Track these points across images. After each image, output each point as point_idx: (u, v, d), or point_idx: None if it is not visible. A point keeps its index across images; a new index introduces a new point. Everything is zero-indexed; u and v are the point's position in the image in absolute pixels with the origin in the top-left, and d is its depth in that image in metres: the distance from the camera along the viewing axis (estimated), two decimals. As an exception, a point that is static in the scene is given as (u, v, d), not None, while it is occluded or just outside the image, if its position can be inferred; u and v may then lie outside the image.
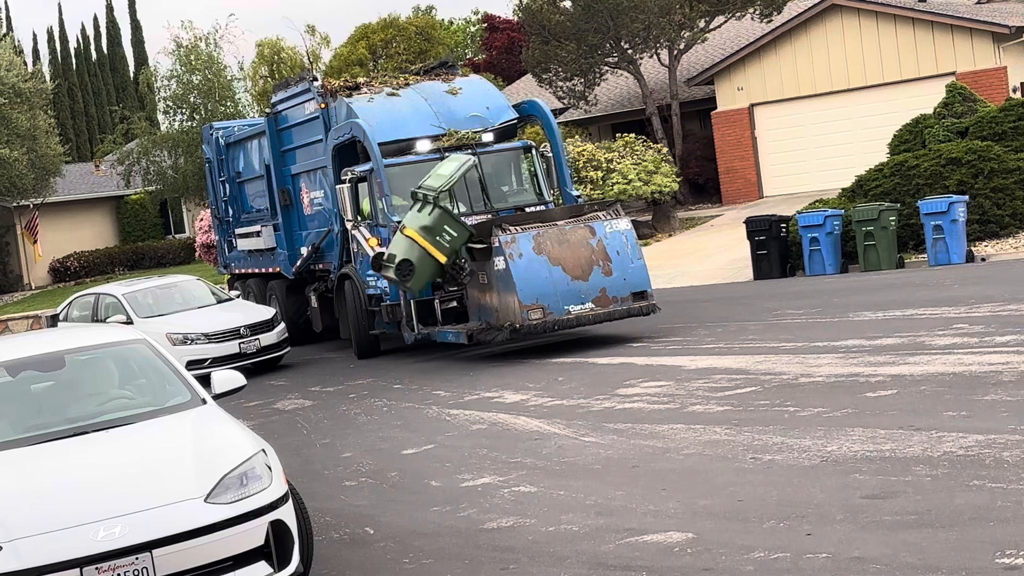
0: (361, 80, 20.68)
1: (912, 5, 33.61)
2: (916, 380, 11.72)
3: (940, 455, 9.01)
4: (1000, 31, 31.16)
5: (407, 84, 20.14)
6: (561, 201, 19.12)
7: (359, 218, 18.57)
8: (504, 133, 19.55)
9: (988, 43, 31.34)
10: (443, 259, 16.64)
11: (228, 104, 43.11)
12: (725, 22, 36.96)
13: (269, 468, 7.69)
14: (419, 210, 16.71)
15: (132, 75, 66.26)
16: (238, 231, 24.15)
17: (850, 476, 8.85)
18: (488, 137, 19.09)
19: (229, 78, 44.33)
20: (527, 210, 18.13)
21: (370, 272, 18.48)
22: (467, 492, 10.11)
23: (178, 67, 43.47)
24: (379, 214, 18.13)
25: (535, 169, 19.14)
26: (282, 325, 20.47)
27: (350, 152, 19.11)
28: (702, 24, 36.25)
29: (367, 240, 18.42)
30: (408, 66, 30.97)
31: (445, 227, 16.58)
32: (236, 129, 24.48)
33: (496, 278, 16.48)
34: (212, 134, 24.53)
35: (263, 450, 7.84)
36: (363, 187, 18.51)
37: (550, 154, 19.18)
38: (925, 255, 21.75)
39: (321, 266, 20.94)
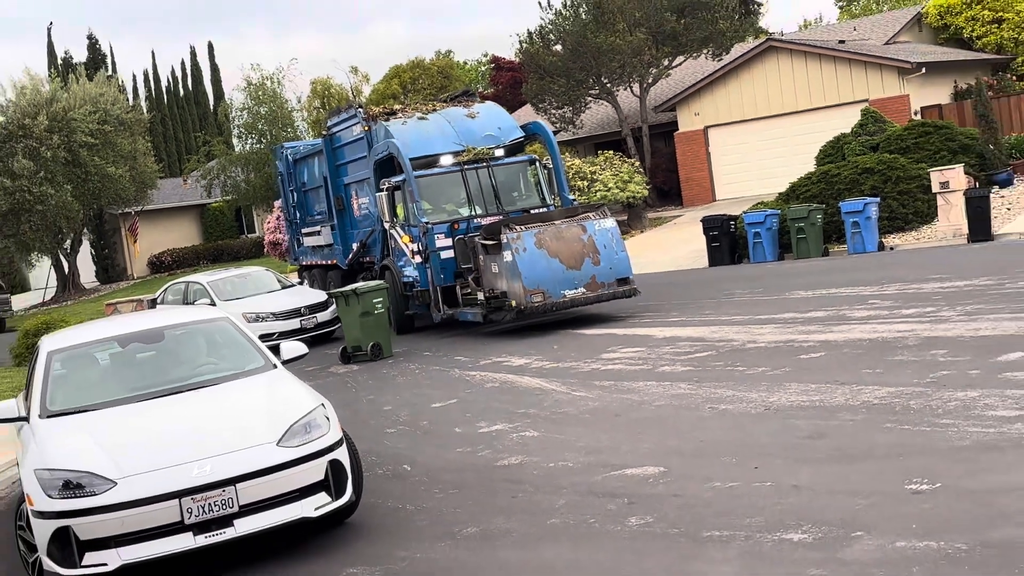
0: (397, 107, 20.44)
1: (834, 45, 33.46)
2: (839, 345, 11.71)
3: (860, 404, 9.01)
4: (904, 66, 31.02)
5: (435, 109, 19.83)
6: (560, 204, 18.74)
7: (395, 220, 18.38)
8: (513, 148, 19.20)
9: (895, 76, 31.21)
10: (387, 323, 16.91)
11: (288, 130, 42.97)
12: (684, 60, 36.77)
13: (328, 419, 7.69)
14: (348, 306, 16.72)
15: (212, 107, 66.03)
16: (304, 231, 23.85)
17: (789, 421, 8.85)
18: (500, 152, 18.75)
19: (289, 110, 44.19)
20: (531, 212, 17.82)
21: (402, 262, 18.38)
22: (484, 436, 10.12)
23: (248, 101, 43.36)
24: (411, 216, 17.93)
25: (538, 178, 18.81)
26: (334, 305, 20.31)
27: (389, 165, 18.87)
28: (666, 62, 36.06)
29: (401, 237, 18.31)
30: (432, 97, 30.79)
31: (373, 300, 16.56)
32: (301, 148, 24.15)
33: (504, 268, 16.27)
34: (283, 152, 24.25)
35: (323, 404, 7.84)
36: (399, 194, 18.30)
37: (551, 166, 18.91)
38: (846, 246, 21.73)
39: (368, 259, 20.70)
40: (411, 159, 17.95)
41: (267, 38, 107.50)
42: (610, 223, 16.75)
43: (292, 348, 8.96)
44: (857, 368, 10.37)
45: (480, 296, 16.87)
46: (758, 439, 8.46)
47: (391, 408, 12.46)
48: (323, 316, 19.97)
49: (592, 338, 15.24)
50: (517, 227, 16.32)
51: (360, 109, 20.06)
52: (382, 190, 18.37)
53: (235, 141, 47.60)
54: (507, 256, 16.17)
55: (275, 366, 8.61)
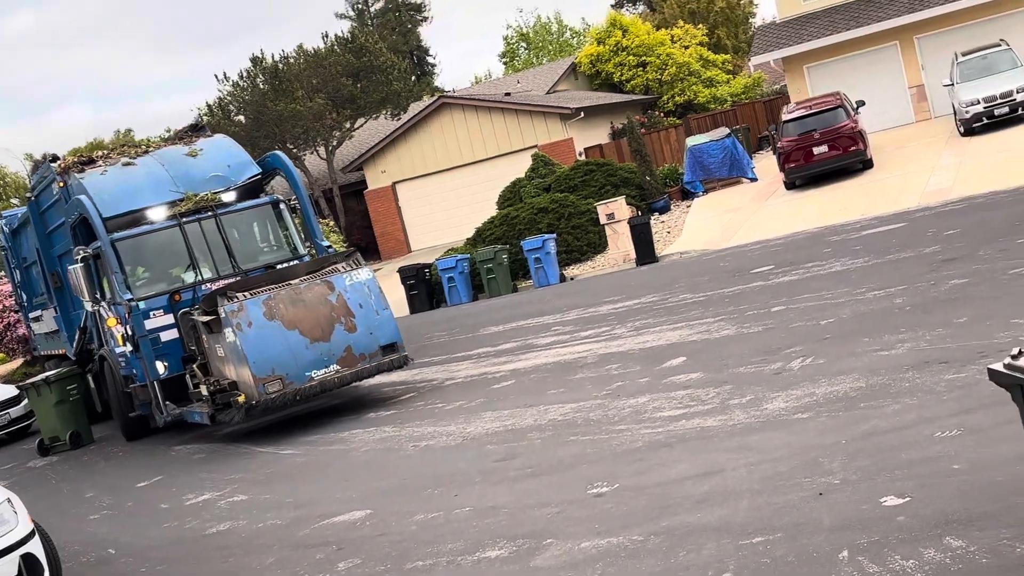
0: (98, 153, 15.79)
1: (501, 98, 34.91)
2: (527, 371, 12.16)
3: (547, 422, 9.39)
4: (565, 111, 32.78)
5: (146, 152, 15.45)
6: (315, 253, 14.80)
7: (98, 298, 14.14)
8: (250, 190, 15.00)
9: (558, 121, 32.92)
10: (84, 409, 15.87)
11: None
12: (366, 122, 37.26)
13: (16, 513, 7.19)
14: (41, 396, 15.47)
15: None
16: (31, 315, 19.50)
17: (484, 447, 9.10)
18: (230, 196, 14.44)
19: (-38, 202, 41.05)
20: (277, 268, 13.79)
21: (118, 349, 14.29)
22: (191, 508, 9.75)
23: (-86, 198, 39.94)
24: (115, 292, 13.65)
25: (286, 224, 14.88)
26: (26, 400, 18.60)
27: (89, 228, 14.34)
28: (348, 125, 36.41)
29: (108, 319, 14.12)
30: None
31: (67, 387, 15.37)
32: (18, 216, 18.92)
33: (228, 351, 12.11)
34: (1, 224, 19.61)
35: (8, 499, 7.31)
36: (103, 264, 13.97)
37: (299, 207, 15.03)
38: (531, 280, 22.61)
39: (91, 346, 16.18)
40: (110, 217, 13.90)
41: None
42: (365, 274, 12.91)
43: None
44: (543, 390, 10.81)
45: (204, 390, 12.67)
46: (457, 468, 8.64)
47: (93, 494, 11.76)
48: (16, 411, 18.68)
49: (298, 396, 15.01)
50: (239, 295, 12.22)
51: (55, 162, 15.46)
52: (76, 262, 14.00)
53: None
54: (228, 335, 12.05)
55: (-47, 467, 7.95)
